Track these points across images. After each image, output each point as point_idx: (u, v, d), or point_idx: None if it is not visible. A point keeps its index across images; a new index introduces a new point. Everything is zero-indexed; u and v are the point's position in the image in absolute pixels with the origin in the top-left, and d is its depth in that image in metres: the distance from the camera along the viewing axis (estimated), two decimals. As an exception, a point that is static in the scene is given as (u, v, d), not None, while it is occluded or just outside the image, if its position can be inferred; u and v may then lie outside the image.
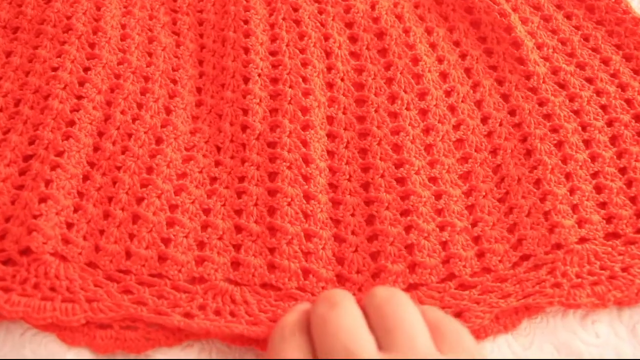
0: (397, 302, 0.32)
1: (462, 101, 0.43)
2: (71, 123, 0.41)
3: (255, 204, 0.39)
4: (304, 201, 0.39)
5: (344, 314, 0.31)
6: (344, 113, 0.43)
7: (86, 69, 0.43)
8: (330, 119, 0.43)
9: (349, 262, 0.38)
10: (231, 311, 0.36)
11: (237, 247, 0.38)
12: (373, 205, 0.39)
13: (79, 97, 0.42)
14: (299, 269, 0.37)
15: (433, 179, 0.40)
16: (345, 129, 0.42)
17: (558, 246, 0.38)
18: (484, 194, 0.40)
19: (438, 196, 0.40)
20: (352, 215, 0.39)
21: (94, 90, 0.42)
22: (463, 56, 0.46)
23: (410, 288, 0.37)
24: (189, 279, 0.37)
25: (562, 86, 0.44)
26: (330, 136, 0.42)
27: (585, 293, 0.36)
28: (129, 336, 0.36)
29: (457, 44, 0.46)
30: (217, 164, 0.41)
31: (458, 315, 0.36)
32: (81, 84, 0.42)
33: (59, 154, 0.39)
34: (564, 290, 0.36)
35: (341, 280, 0.38)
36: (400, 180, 0.40)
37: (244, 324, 0.35)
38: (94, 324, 0.36)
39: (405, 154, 0.41)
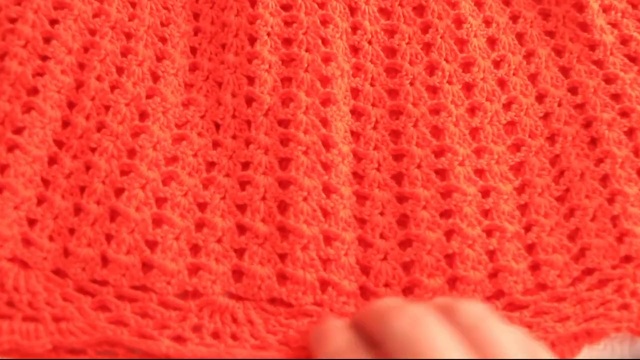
0: (493, 322, 0.28)
1: (513, 74, 0.37)
2: (34, 91, 0.34)
3: (263, 198, 0.33)
4: (324, 195, 0.33)
5: (436, 332, 0.27)
6: (371, 85, 0.36)
7: (53, 22, 0.35)
8: (355, 92, 0.36)
9: (375, 273, 0.32)
10: (232, 333, 0.31)
11: (239, 253, 0.32)
12: (407, 202, 0.33)
13: (44, 58, 0.34)
14: (316, 280, 0.32)
15: (479, 172, 0.34)
16: (373, 105, 0.36)
17: (627, 259, 0.33)
18: (539, 190, 0.34)
19: (485, 193, 0.34)
20: (382, 214, 0.33)
21: (63, 50, 0.35)
22: (515, 18, 0.39)
23: None
24: (181, 293, 0.31)
25: (633, 60, 0.38)
26: (355, 113, 0.35)
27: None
28: (107, 364, 0.30)
29: (507, 3, 0.39)
30: (216, 145, 0.34)
31: None
32: (46, 40, 0.35)
33: (18, 131, 0.33)
34: (634, 313, 0.32)
35: (365, 294, 0.32)
36: (441, 173, 0.34)
37: (249, 349, 0.30)
38: (63, 349, 0.30)
39: (448, 139, 0.34)
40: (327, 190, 0.33)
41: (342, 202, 0.33)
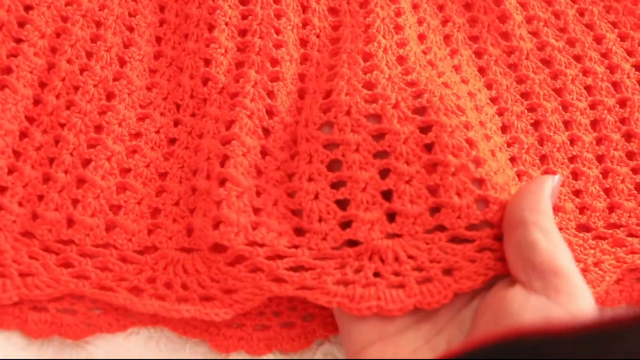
0: None
1: (439, 60, 0.40)
2: (7, 70, 0.36)
3: (208, 158, 0.34)
4: (260, 156, 0.34)
5: None
6: (316, 68, 0.39)
7: (27, 8, 0.37)
8: (302, 77, 0.38)
9: (307, 212, 0.32)
10: (183, 283, 0.32)
11: (192, 211, 0.34)
12: (338, 149, 0.33)
13: (18, 41, 0.36)
14: (248, 224, 0.31)
15: (419, 109, 0.34)
16: (316, 78, 0.38)
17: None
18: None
19: (427, 129, 0.33)
20: (309, 162, 0.34)
21: (36, 34, 0.37)
22: (445, 22, 0.42)
23: None
24: (140, 250, 0.33)
25: (546, 63, 0.41)
26: (301, 93, 0.38)
27: None
28: (66, 321, 0.32)
29: (441, 8, 0.43)
30: (177, 123, 0.37)
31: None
32: (21, 24, 0.37)
33: None
34: None
35: (299, 233, 0.33)
36: (374, 118, 0.34)
37: (197, 301, 0.31)
38: (27, 306, 0.32)
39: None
40: (265, 152, 0.34)
41: (276, 164, 0.34)
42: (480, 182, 0.31)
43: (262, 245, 0.31)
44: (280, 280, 0.31)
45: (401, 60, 0.37)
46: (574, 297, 0.27)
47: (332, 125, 0.33)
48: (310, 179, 0.33)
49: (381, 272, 0.31)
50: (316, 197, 0.32)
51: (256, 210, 0.32)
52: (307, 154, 0.33)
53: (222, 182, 0.33)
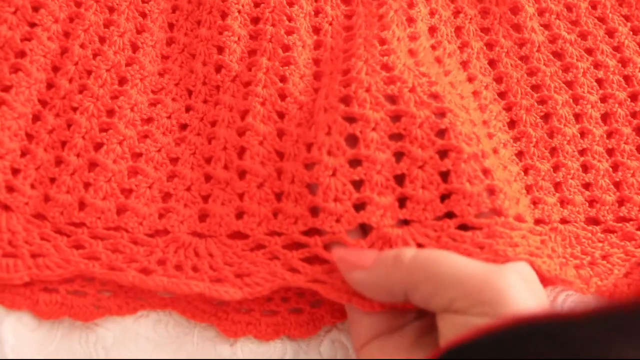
0: None
1: (448, 56, 0.40)
2: (21, 54, 0.36)
3: (224, 148, 0.35)
4: (278, 139, 0.35)
5: None
6: (331, 53, 0.39)
7: None
8: (316, 61, 0.38)
9: (324, 189, 0.32)
10: (193, 265, 0.32)
11: (205, 198, 0.35)
12: (356, 123, 0.33)
13: (32, 25, 0.37)
14: (270, 212, 0.33)
15: (434, 96, 0.34)
16: (332, 61, 0.38)
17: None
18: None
19: (441, 114, 0.33)
20: (328, 134, 0.34)
21: (50, 18, 0.37)
22: (456, 13, 0.42)
23: None
24: (151, 233, 0.33)
25: (558, 55, 0.41)
26: (317, 76, 0.38)
27: (572, 272, 0.34)
28: (76, 302, 0.32)
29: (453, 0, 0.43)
30: (188, 109, 0.37)
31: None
32: (35, 9, 0.37)
33: (5, 89, 0.35)
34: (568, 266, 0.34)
35: (315, 212, 0.33)
36: (391, 99, 0.34)
37: (207, 281, 0.32)
38: (38, 287, 0.32)
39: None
40: (281, 133, 0.35)
41: (293, 138, 0.34)
42: (486, 172, 0.32)
43: (280, 235, 0.33)
44: (295, 270, 0.32)
45: (412, 53, 0.37)
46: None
47: (351, 100, 0.33)
48: (329, 153, 0.33)
49: None
50: (334, 173, 0.32)
51: (277, 196, 0.33)
52: (325, 125, 0.33)
53: (241, 174, 0.34)
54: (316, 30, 0.39)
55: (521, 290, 0.27)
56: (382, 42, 0.37)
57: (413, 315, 0.31)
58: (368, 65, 0.35)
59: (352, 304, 0.31)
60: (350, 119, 0.33)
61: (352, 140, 0.33)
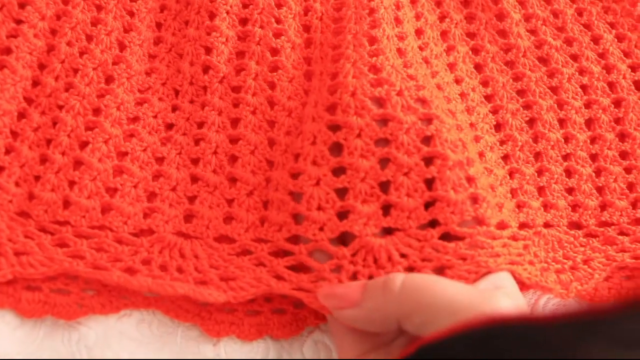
0: None
1: (435, 58, 0.40)
2: (7, 51, 0.36)
3: (215, 152, 0.36)
4: (269, 148, 0.36)
5: None
6: (320, 49, 0.39)
7: None
8: (307, 60, 0.39)
9: (307, 197, 0.33)
10: (178, 266, 0.33)
11: (191, 199, 0.35)
12: (340, 131, 0.33)
13: (18, 22, 0.36)
14: (257, 220, 0.34)
15: (421, 100, 0.34)
16: (322, 59, 0.38)
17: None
18: None
19: (428, 121, 0.33)
20: (313, 143, 0.34)
21: (37, 15, 0.37)
22: (442, 18, 0.43)
23: None
24: (135, 233, 0.33)
25: (543, 61, 0.42)
26: (308, 75, 0.38)
27: (553, 278, 0.34)
28: (59, 301, 0.32)
29: (439, 4, 0.43)
30: (175, 108, 0.37)
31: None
32: (21, 6, 0.37)
33: None
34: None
35: (297, 220, 0.33)
36: (378, 102, 0.34)
37: (192, 282, 0.32)
38: (21, 285, 0.32)
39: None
40: (271, 142, 0.36)
41: (282, 148, 0.35)
42: (470, 180, 0.32)
43: (266, 242, 0.33)
44: (280, 277, 0.32)
45: (400, 53, 0.37)
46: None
47: (336, 107, 0.33)
48: (314, 163, 0.33)
49: (375, 277, 0.31)
50: (317, 183, 0.32)
51: (265, 204, 0.34)
52: (311, 134, 0.34)
53: (232, 181, 0.35)
54: (306, 28, 0.40)
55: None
56: (372, 40, 0.37)
57: (396, 332, 0.30)
58: (356, 68, 0.35)
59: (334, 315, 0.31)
60: (335, 127, 0.33)
61: (338, 148, 0.33)
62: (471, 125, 0.38)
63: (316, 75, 0.37)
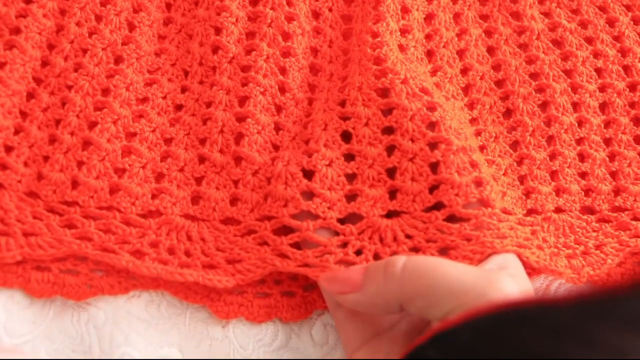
0: None
1: (443, 46, 0.40)
2: (16, 30, 0.35)
3: (221, 131, 0.35)
4: (274, 132, 0.35)
5: None
6: (329, 46, 0.39)
7: None
8: (314, 51, 0.38)
9: (321, 177, 0.33)
10: (186, 250, 0.33)
11: (199, 180, 0.35)
12: (349, 120, 0.34)
13: (27, 1, 0.36)
14: (262, 199, 0.34)
15: (423, 90, 0.35)
16: (330, 62, 0.38)
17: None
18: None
19: (431, 108, 0.34)
20: (324, 129, 0.35)
21: (46, -5, 0.36)
22: (455, 0, 0.42)
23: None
24: (143, 213, 0.33)
25: (557, 44, 0.41)
26: (313, 69, 0.38)
27: (563, 263, 0.34)
28: (68, 281, 0.32)
29: None
30: (184, 89, 0.37)
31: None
32: (30, -14, 0.36)
33: (0, 66, 0.34)
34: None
35: (309, 197, 0.33)
36: (382, 92, 0.35)
37: (200, 268, 0.32)
38: (31, 265, 0.32)
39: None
40: (278, 128, 0.36)
41: (290, 135, 0.35)
42: (474, 164, 0.32)
43: (270, 219, 0.33)
44: (284, 255, 0.32)
45: (402, 48, 0.37)
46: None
47: (345, 102, 0.35)
48: (326, 146, 0.33)
49: (380, 254, 0.31)
50: (330, 164, 0.33)
51: (268, 180, 0.34)
52: (322, 122, 0.34)
53: (238, 160, 0.34)
54: (315, 15, 0.39)
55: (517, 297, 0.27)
56: (375, 35, 0.37)
57: (397, 316, 0.30)
58: (361, 66, 0.35)
59: (335, 306, 0.31)
60: (345, 117, 0.34)
61: (347, 137, 0.34)
62: (472, 120, 0.38)
63: (326, 76, 0.37)
